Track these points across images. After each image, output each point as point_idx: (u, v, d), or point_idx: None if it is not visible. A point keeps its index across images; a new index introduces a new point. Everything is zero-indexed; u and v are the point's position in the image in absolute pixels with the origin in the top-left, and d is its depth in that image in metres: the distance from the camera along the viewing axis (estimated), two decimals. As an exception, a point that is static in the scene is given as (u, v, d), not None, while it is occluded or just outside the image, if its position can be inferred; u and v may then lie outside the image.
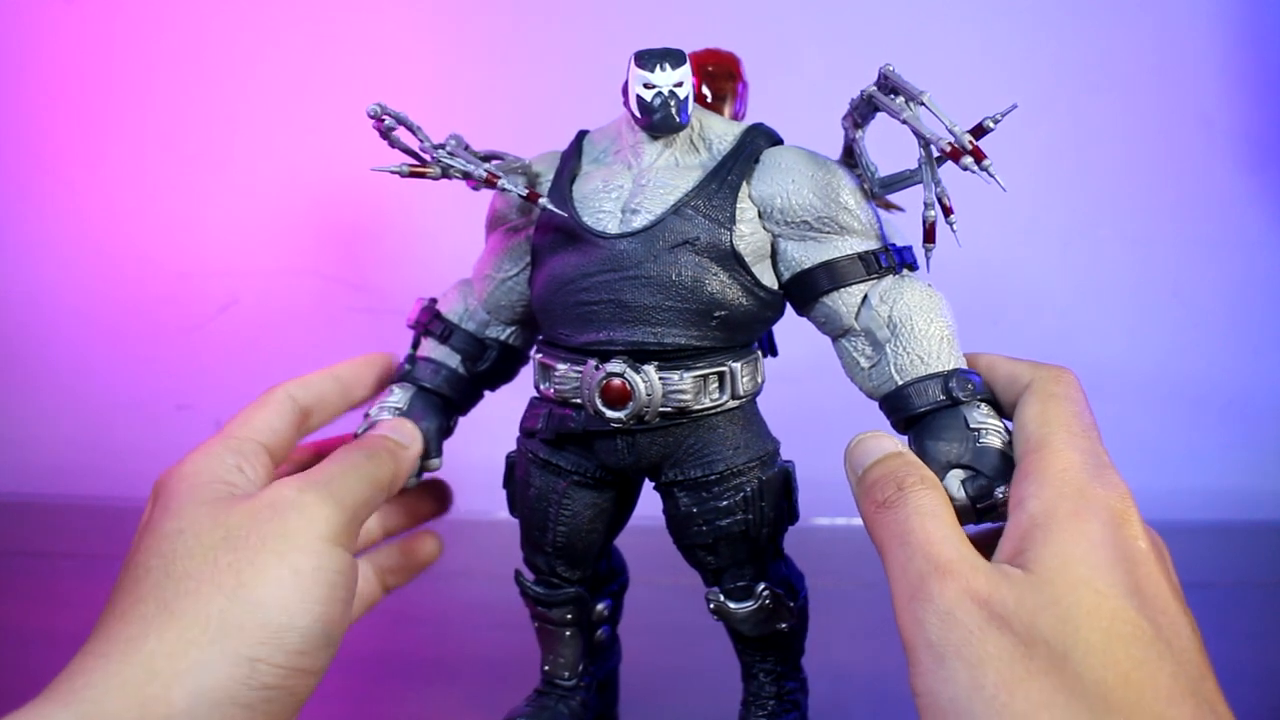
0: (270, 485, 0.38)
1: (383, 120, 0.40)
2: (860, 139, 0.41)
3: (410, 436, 0.45)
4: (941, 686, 0.29)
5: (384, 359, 0.50)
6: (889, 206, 0.45)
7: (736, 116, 0.45)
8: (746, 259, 0.41)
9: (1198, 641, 0.30)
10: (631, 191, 0.41)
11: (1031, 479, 0.33)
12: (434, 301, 0.49)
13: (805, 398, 0.68)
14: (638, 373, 0.40)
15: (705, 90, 0.45)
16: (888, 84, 0.38)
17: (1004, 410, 0.39)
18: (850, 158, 0.43)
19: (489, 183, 0.41)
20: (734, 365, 0.42)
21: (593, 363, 0.41)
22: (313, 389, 0.46)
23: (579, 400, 0.42)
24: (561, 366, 0.42)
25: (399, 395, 0.48)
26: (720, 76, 0.45)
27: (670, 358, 0.41)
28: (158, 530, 0.36)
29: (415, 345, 0.49)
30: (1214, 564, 0.77)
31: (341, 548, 0.37)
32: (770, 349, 0.48)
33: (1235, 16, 0.88)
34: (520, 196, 0.41)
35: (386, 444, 0.43)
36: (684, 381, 0.41)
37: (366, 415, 0.47)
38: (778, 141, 0.43)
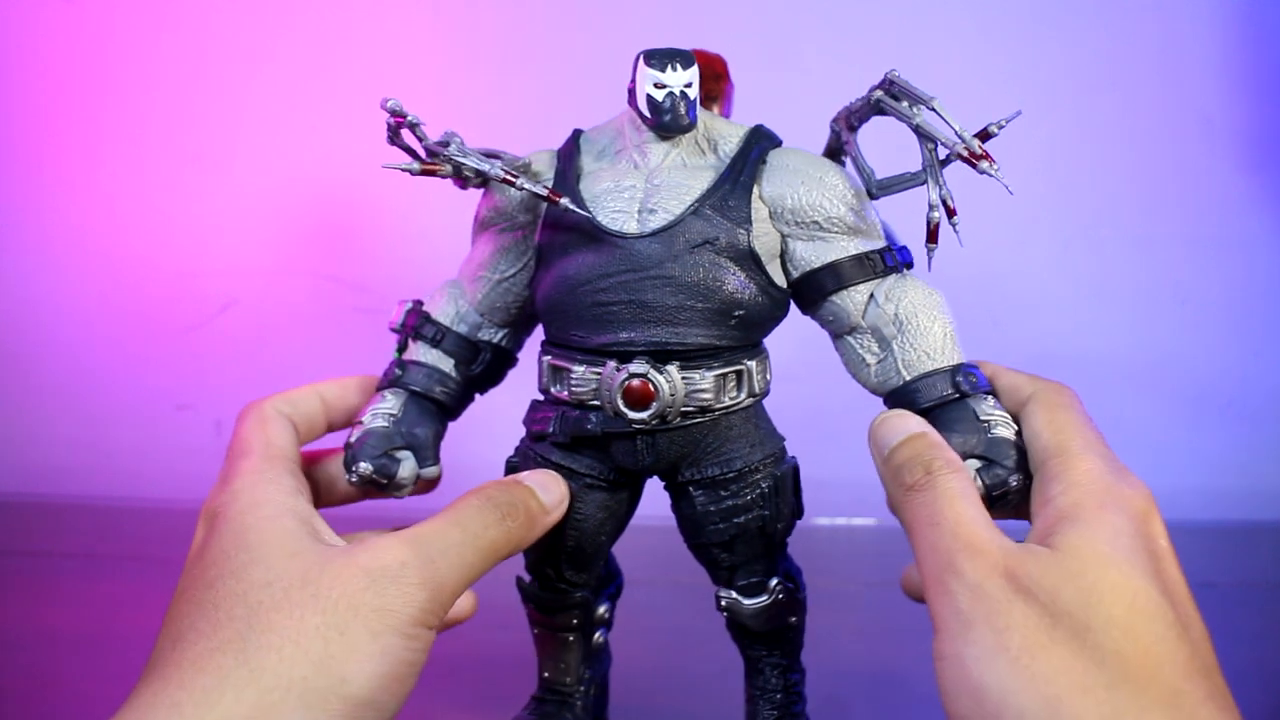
0: (368, 543, 0.35)
1: (404, 118, 0.39)
2: (854, 141, 0.42)
3: (558, 500, 0.41)
4: (966, 649, 0.31)
5: (370, 381, 0.47)
6: None
7: (723, 116, 0.46)
8: (762, 258, 0.41)
9: (1208, 637, 0.32)
10: (647, 192, 0.41)
11: (1057, 480, 0.35)
12: (419, 304, 0.48)
13: (804, 397, 0.68)
14: (661, 373, 0.40)
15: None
16: (894, 89, 0.39)
17: (1032, 444, 0.40)
18: (835, 159, 0.43)
19: (507, 181, 0.41)
20: (749, 363, 0.42)
21: (612, 364, 0.41)
22: (300, 407, 0.44)
23: (597, 402, 0.42)
24: (578, 369, 0.42)
25: (391, 401, 0.45)
26: (708, 78, 0.45)
27: (691, 357, 0.41)
28: (239, 571, 0.34)
29: (401, 349, 0.47)
30: (1214, 564, 0.77)
31: (432, 629, 0.35)
32: None
33: (1235, 16, 0.88)
34: (538, 196, 0.41)
35: (528, 505, 0.39)
36: (705, 381, 0.41)
37: (359, 422, 0.44)
38: (777, 143, 0.44)
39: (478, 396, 0.50)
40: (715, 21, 0.84)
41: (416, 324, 0.47)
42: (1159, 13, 0.88)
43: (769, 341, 0.48)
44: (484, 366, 0.47)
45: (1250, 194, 0.90)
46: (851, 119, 0.42)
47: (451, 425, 0.48)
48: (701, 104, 0.45)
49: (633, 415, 0.40)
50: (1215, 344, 0.93)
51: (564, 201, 0.41)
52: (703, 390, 0.41)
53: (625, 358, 0.41)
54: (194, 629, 0.33)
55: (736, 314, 0.41)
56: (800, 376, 0.58)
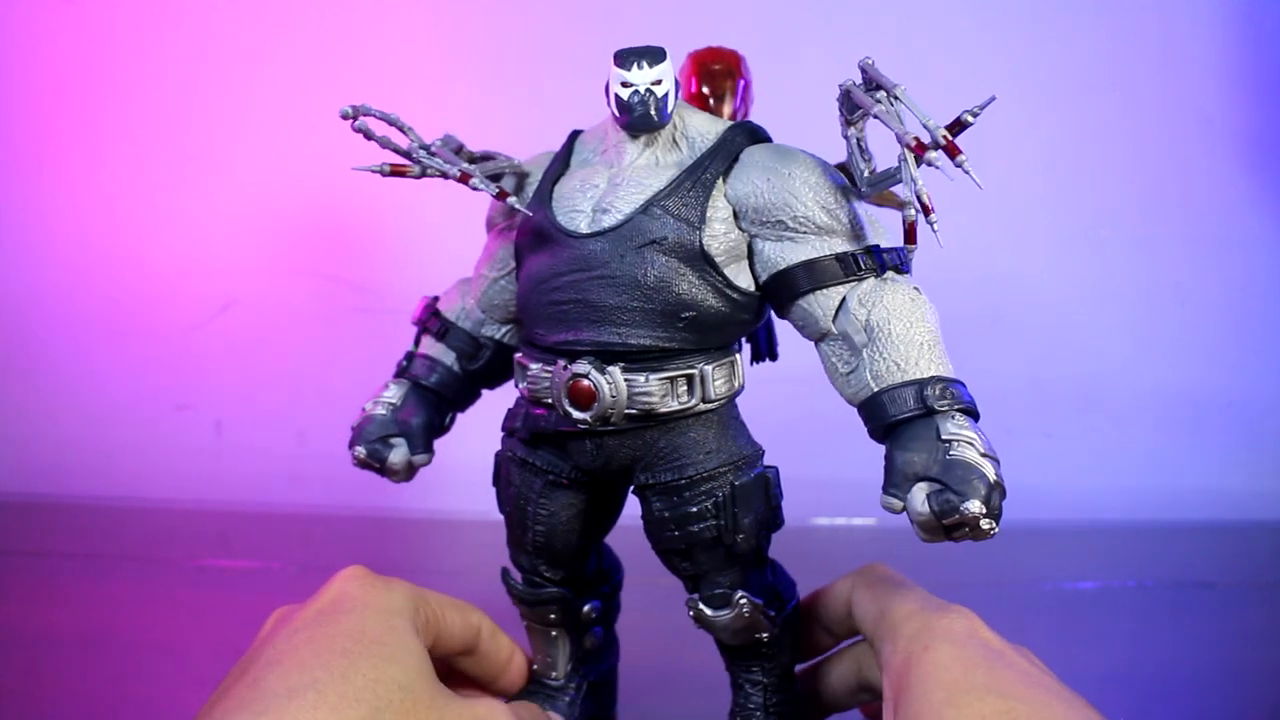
0: (482, 704, 0.39)
1: (355, 120, 0.40)
2: (851, 137, 0.40)
3: None
4: None
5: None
6: (900, 205, 0.42)
7: (736, 114, 0.45)
8: (717, 260, 0.40)
9: (1067, 692, 0.35)
10: (605, 191, 0.41)
11: (887, 640, 0.39)
12: (436, 299, 0.50)
13: (804, 399, 0.68)
14: (603, 374, 0.40)
15: (704, 88, 0.44)
16: (866, 78, 0.37)
17: (864, 628, 0.42)
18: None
19: (462, 181, 0.41)
20: (705, 368, 0.41)
21: (561, 363, 0.41)
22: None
23: (550, 400, 0.42)
24: (534, 366, 0.42)
25: (394, 391, 0.48)
26: (720, 74, 0.45)
27: (637, 359, 0.40)
28: (385, 676, 0.36)
29: (417, 342, 0.50)
30: (1214, 564, 0.77)
31: None
32: (770, 353, 0.47)
33: (1235, 16, 0.88)
34: (492, 196, 0.42)
35: None
36: (650, 384, 0.40)
37: (363, 410, 0.48)
38: (762, 139, 0.42)
39: (485, 392, 0.50)
40: (715, 21, 0.83)
41: (427, 318, 0.49)
42: (1159, 13, 0.88)
43: (779, 341, 0.48)
44: (485, 362, 0.49)
45: (1250, 194, 0.90)
46: (842, 113, 0.40)
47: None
48: (709, 100, 0.44)
49: (576, 415, 0.40)
50: (1215, 345, 0.93)
51: (510, 200, 0.42)
52: (647, 393, 0.40)
53: (573, 357, 0.41)
54: (313, 689, 0.35)
55: (686, 315, 0.40)
56: (799, 377, 0.58)
